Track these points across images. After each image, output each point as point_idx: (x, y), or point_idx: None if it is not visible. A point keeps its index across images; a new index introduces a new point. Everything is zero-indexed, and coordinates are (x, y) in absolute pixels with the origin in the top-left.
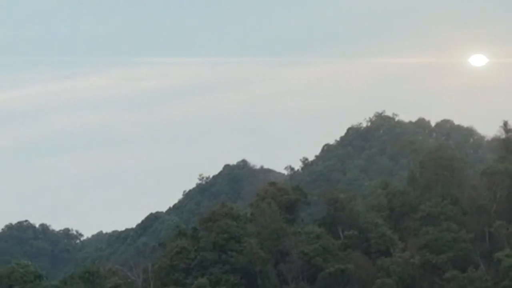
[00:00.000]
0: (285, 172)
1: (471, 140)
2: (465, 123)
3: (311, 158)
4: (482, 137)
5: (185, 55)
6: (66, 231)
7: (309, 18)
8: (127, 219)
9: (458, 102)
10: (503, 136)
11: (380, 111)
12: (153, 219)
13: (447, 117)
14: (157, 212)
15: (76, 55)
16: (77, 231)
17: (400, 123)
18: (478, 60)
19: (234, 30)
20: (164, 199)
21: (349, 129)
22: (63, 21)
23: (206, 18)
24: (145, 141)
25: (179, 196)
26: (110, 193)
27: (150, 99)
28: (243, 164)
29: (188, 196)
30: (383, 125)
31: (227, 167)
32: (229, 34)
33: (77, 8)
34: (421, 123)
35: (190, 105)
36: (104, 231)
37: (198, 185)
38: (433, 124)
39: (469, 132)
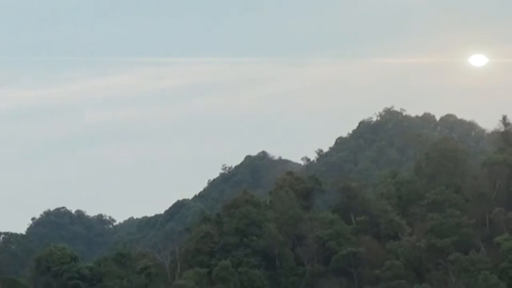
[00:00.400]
0: (302, 163)
1: (473, 133)
2: (467, 118)
3: (325, 149)
4: (482, 130)
5: (207, 55)
6: (100, 217)
7: (321, 23)
8: (156, 206)
9: (460, 99)
10: (502, 129)
11: (388, 107)
12: (180, 206)
13: (450, 112)
14: (183, 200)
15: (108, 56)
16: (110, 217)
17: (407, 118)
18: (478, 60)
19: (253, 32)
20: (190, 187)
21: (360, 123)
22: (96, 25)
23: (226, 20)
24: (172, 134)
25: (204, 184)
26: (140, 182)
27: (176, 96)
28: (263, 155)
29: (212, 184)
30: (391, 119)
31: (248, 158)
32: (248, 35)
33: (108, 13)
34: (427, 118)
35: (213, 101)
36: (135, 217)
37: (222, 175)
38: (437, 118)
39: (471, 126)
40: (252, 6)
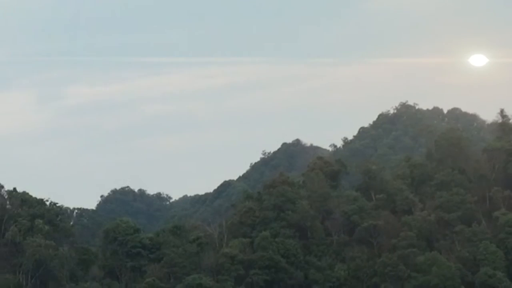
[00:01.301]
0: (330, 149)
1: (475, 124)
2: (470, 111)
3: (350, 137)
4: (483, 121)
5: (248, 56)
6: (159, 195)
7: (345, 29)
8: (206, 185)
9: (463, 94)
10: (500, 120)
11: (403, 101)
12: (226, 186)
13: (456, 106)
14: (229, 180)
15: (162, 57)
16: (167, 195)
17: (419, 111)
18: (478, 60)
19: (288, 36)
20: (235, 170)
21: (379, 115)
22: (151, 30)
23: (264, 26)
24: (219, 125)
25: (247, 167)
26: (193, 165)
27: (222, 91)
28: (297, 142)
29: (254, 167)
30: (406, 112)
31: (284, 144)
32: (283, 38)
33: (161, 20)
34: (436, 111)
35: (254, 96)
36: (188, 195)
37: (262, 159)
38: (445, 111)
39: (473, 117)
40: (287, 14)
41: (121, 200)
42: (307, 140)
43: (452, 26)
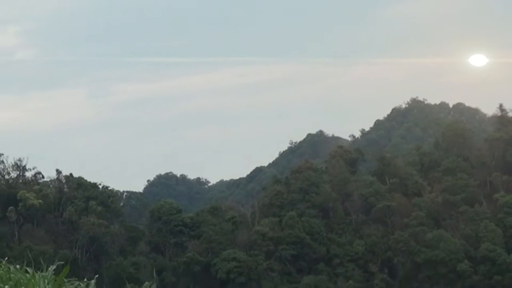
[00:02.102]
0: (349, 139)
1: (477, 117)
2: (473, 105)
3: (367, 129)
4: (484, 115)
5: (277, 56)
6: (198, 179)
7: (361, 31)
8: (240, 171)
9: (467, 91)
10: (499, 114)
11: (414, 97)
12: (258, 171)
13: (460, 101)
14: (261, 166)
15: (201, 58)
16: (205, 179)
17: (428, 105)
18: (478, 60)
19: (311, 38)
20: (266, 157)
21: (393, 109)
22: (192, 33)
23: (289, 29)
24: (252, 118)
25: (276, 155)
26: (228, 153)
27: (254, 88)
28: (320, 133)
29: (282, 155)
30: (416, 106)
31: (309, 135)
32: (308, 41)
33: (202, 23)
34: (443, 105)
35: (282, 92)
36: (224, 179)
37: (289, 148)
38: (450, 106)
39: (475, 111)
40: (310, 21)
41: (165, 184)
42: (329, 131)
43: (454, 30)
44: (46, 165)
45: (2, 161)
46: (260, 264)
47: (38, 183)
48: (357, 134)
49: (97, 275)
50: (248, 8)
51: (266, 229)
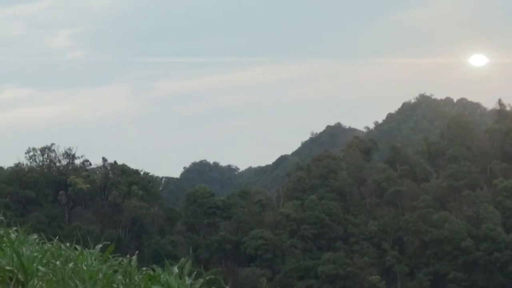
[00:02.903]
0: (364, 130)
1: (478, 110)
2: (474, 100)
3: (380, 121)
4: (485, 109)
5: (298, 56)
6: (229, 166)
7: (372, 34)
8: (267, 159)
9: (469, 87)
10: (498, 108)
11: (422, 93)
12: (282, 159)
13: (463, 96)
14: (285, 155)
15: (232, 57)
16: (236, 166)
17: (435, 100)
18: (478, 60)
19: (329, 40)
20: (290, 146)
21: (403, 104)
22: (222, 34)
23: (309, 32)
24: (277, 111)
25: (299, 145)
26: (256, 143)
27: (279, 85)
28: (338, 125)
29: (304, 145)
30: (424, 101)
31: (328, 127)
32: (326, 42)
33: (233, 25)
34: (448, 100)
35: (304, 88)
36: (252, 166)
37: (310, 138)
38: (455, 101)
39: (477, 105)
40: (328, 24)
41: (200, 171)
42: (346, 123)
43: (457, 32)
44: (93, 153)
45: (54, 150)
46: (284, 242)
47: (86, 170)
48: (371, 126)
49: (138, 252)
50: (270, 15)
51: (289, 211)
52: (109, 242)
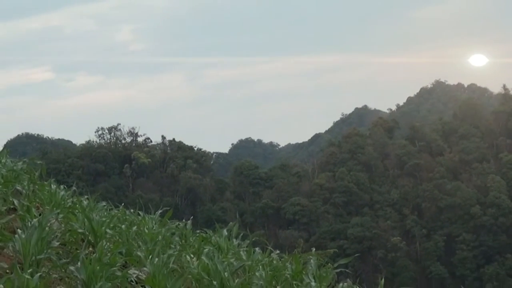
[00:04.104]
0: (387, 112)
1: (486, 94)
2: (482, 85)
3: (401, 104)
4: (492, 93)
5: (327, 49)
6: (271, 143)
7: (390, 31)
8: (303, 136)
9: (478, 75)
10: (503, 92)
11: (437, 79)
12: (317, 137)
13: (473, 82)
14: (319, 133)
15: (272, 50)
16: (277, 143)
17: (448, 85)
18: (478, 59)
19: (353, 34)
20: (323, 126)
21: (421, 89)
22: (263, 30)
23: (337, 27)
24: (312, 95)
25: (331, 124)
26: (294, 122)
27: (313, 73)
28: (365, 107)
29: (335, 124)
30: (439, 86)
31: (356, 108)
32: (351, 36)
33: (271, 21)
34: (459, 85)
35: (335, 75)
36: (291, 143)
37: (341, 118)
38: (465, 86)
39: (485, 90)
40: (350, 21)
41: (245, 147)
42: (372, 106)
43: (470, 28)
44: (153, 132)
45: (120, 129)
46: (318, 208)
47: (147, 146)
48: (394, 108)
49: (192, 217)
50: (303, 15)
51: (323, 181)
52: (167, 208)
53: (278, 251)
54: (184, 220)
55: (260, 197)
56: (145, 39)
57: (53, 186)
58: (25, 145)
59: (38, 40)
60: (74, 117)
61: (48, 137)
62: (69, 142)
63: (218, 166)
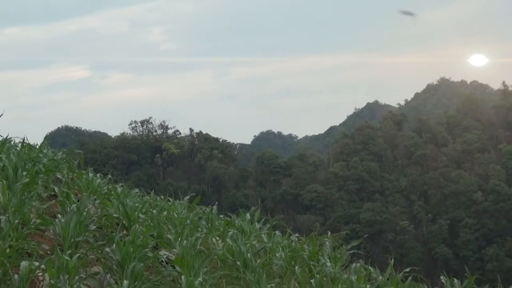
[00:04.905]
0: (396, 106)
1: (487, 90)
2: (484, 82)
3: (409, 99)
4: (492, 89)
5: (340, 48)
6: (290, 135)
7: (396, 31)
8: (319, 128)
9: (479, 72)
10: (502, 88)
11: (442, 76)
12: (332, 129)
13: (475, 79)
14: (334, 125)
15: (290, 51)
16: (295, 135)
17: (453, 82)
18: (478, 59)
19: (362, 35)
20: (337, 119)
21: (427, 85)
22: (283, 31)
23: (348, 30)
24: (327, 91)
25: (345, 117)
26: (311, 116)
27: (328, 70)
28: (376, 102)
29: (349, 117)
30: (444, 83)
31: (368, 103)
32: (360, 36)
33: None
34: (462, 83)
35: (348, 73)
36: (308, 135)
37: (354, 112)
38: (468, 82)
39: (486, 86)
40: (361, 21)
41: (266, 138)
42: (382, 101)
43: (473, 29)
44: (182, 125)
45: (151, 122)
46: (333, 195)
47: (177, 138)
48: (402, 103)
49: (217, 203)
50: (319, 17)
51: (337, 170)
52: (195, 195)
53: (296, 234)
54: (210, 206)
55: (280, 185)
56: (175, 40)
57: (90, 175)
58: (65, 137)
59: (76, 41)
60: (109, 111)
61: (85, 130)
62: (105, 134)
63: (242, 156)
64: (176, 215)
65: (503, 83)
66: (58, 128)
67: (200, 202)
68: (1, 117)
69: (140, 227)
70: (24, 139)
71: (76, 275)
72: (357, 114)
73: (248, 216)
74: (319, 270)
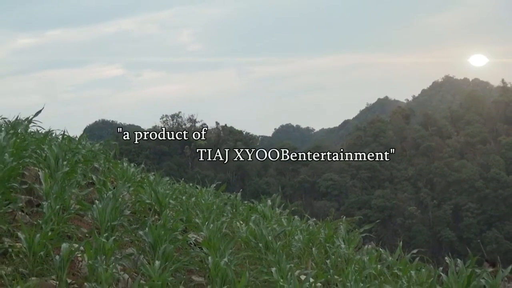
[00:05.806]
0: (405, 101)
1: (487, 87)
2: (485, 80)
3: (416, 95)
4: (492, 86)
5: (352, 48)
6: (307, 128)
7: (404, 32)
8: (334, 122)
9: (480, 71)
10: (502, 85)
11: (447, 74)
12: (346, 122)
13: (476, 77)
14: (347, 119)
15: (310, 50)
16: (312, 128)
17: (456, 80)
18: (479, 59)
19: (376, 36)
20: (351, 113)
21: (433, 82)
22: (304, 31)
23: (366, 30)
24: (343, 88)
25: (358, 112)
26: (327, 110)
27: (343, 70)
28: (386, 98)
29: (362, 112)
30: (448, 80)
31: (379, 99)
32: (374, 37)
33: (317, 23)
34: (465, 80)
35: (363, 71)
36: (324, 128)
37: (366, 107)
38: (470, 80)
39: (487, 83)
40: (377, 25)
41: (286, 131)
42: (392, 96)
43: (475, 31)
44: (209, 119)
45: (181, 116)
46: (347, 183)
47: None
48: (410, 99)
49: (241, 190)
50: (333, 19)
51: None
52: (220, 183)
53: (313, 219)
54: (234, 193)
55: (298, 173)
56: (201, 42)
57: (125, 164)
58: (102, 129)
59: (112, 42)
60: (142, 106)
61: (120, 123)
62: (138, 127)
63: (263, 146)
64: (203, 201)
65: (502, 80)
66: (96, 121)
67: (225, 190)
68: (43, 111)
69: (171, 212)
70: (64, 132)
71: (112, 256)
72: (369, 109)
73: (269, 202)
74: (334, 252)
